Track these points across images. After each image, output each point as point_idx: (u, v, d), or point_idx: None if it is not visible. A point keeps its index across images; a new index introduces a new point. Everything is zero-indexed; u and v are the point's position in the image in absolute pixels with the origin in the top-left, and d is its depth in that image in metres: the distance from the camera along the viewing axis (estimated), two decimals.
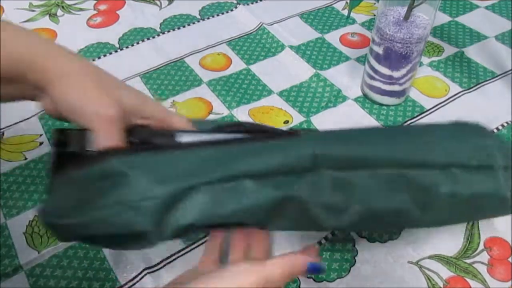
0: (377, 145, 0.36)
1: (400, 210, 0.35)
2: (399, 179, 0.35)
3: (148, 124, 0.36)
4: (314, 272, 0.33)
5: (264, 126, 0.39)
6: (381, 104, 0.63)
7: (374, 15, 0.79)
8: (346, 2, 0.82)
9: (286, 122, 0.61)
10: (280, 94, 0.65)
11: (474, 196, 0.36)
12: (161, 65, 0.70)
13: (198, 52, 0.72)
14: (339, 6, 0.82)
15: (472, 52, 0.71)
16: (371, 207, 0.34)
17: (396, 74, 0.58)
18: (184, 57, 0.71)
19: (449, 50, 0.72)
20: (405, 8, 0.54)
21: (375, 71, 0.59)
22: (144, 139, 0.36)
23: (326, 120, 0.61)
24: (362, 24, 0.77)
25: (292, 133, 0.36)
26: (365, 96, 0.64)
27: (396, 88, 0.60)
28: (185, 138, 0.36)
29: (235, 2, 0.82)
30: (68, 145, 0.35)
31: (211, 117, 0.62)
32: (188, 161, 0.33)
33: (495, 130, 0.59)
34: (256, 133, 0.37)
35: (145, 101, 0.36)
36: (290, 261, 0.32)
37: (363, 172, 0.34)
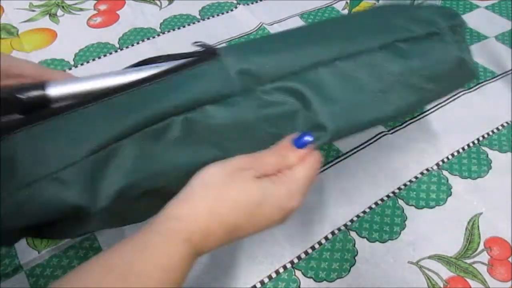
0: (307, 49, 0.35)
1: (361, 101, 0.35)
2: (346, 69, 0.34)
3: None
4: (301, 141, 0.34)
5: (177, 55, 0.37)
6: None
7: None
8: (346, 2, 0.82)
9: None
10: None
11: (429, 66, 0.35)
12: None
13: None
14: (339, 6, 0.81)
15: (472, 52, 0.71)
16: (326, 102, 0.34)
17: None
18: None
19: None
20: None
21: None
22: (12, 95, 0.33)
23: None
24: None
25: (210, 53, 0.35)
26: None
27: None
28: (59, 90, 0.35)
29: (235, 2, 0.82)
30: None
31: None
32: (101, 115, 0.32)
33: (495, 130, 0.59)
34: (169, 67, 0.35)
35: (12, 60, 0.36)
36: (278, 144, 0.34)
37: (308, 73, 0.34)
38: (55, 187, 0.30)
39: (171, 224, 0.30)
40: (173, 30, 0.77)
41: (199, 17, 0.80)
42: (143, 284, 0.28)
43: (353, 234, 0.49)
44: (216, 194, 0.31)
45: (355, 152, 0.57)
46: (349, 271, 0.46)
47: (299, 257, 0.47)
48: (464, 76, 0.40)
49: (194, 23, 0.78)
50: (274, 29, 0.76)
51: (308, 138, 0.34)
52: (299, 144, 0.34)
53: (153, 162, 0.33)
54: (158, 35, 0.76)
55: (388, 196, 0.52)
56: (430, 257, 0.47)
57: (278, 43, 0.37)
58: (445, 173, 0.55)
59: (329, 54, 0.35)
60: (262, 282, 0.45)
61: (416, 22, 0.36)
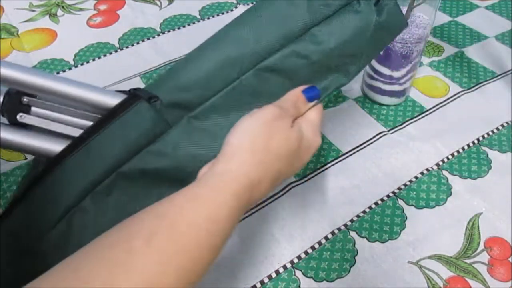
0: (223, 63, 0.37)
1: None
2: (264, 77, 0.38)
3: None
4: (312, 94, 0.38)
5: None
6: (381, 104, 0.63)
7: None
8: None
9: None
10: None
11: (345, 43, 0.38)
12: (161, 65, 0.70)
13: None
14: None
15: (472, 52, 0.71)
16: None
17: (396, 74, 0.58)
18: None
19: (449, 50, 0.72)
20: (405, 8, 0.54)
21: (375, 71, 0.59)
22: None
23: (326, 120, 0.61)
24: None
25: (135, 96, 0.37)
26: (365, 96, 0.64)
27: (396, 88, 0.60)
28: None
29: (235, 2, 0.82)
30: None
31: None
32: (57, 183, 0.35)
33: (495, 130, 0.59)
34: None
35: None
36: (291, 95, 0.38)
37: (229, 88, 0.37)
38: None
39: (221, 178, 0.31)
40: (173, 30, 0.77)
41: (199, 17, 0.80)
42: (192, 233, 0.28)
43: (353, 234, 0.49)
44: (261, 147, 0.33)
45: (355, 152, 0.57)
46: (349, 271, 0.46)
47: (299, 257, 0.47)
48: (390, 33, 0.41)
49: (194, 23, 0.78)
50: None
51: (317, 92, 0.38)
52: (310, 97, 0.38)
53: (108, 218, 0.35)
54: (158, 35, 0.76)
55: (388, 196, 0.52)
56: (430, 257, 0.47)
57: (194, 62, 0.39)
58: (445, 173, 0.55)
59: (245, 64, 0.38)
60: (262, 282, 0.45)
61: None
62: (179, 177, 0.36)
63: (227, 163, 0.32)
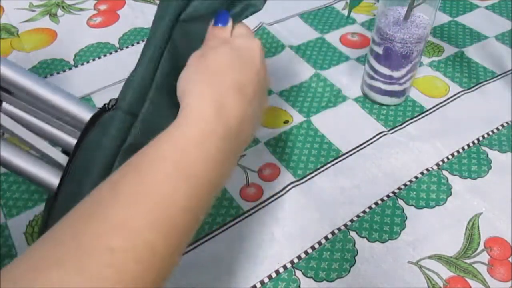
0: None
1: None
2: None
3: None
4: (219, 18, 0.38)
5: None
6: (381, 104, 0.63)
7: (374, 15, 0.79)
8: (346, 2, 0.82)
9: (286, 122, 0.61)
10: (280, 94, 0.65)
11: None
12: None
13: None
14: (339, 6, 0.81)
15: (472, 52, 0.71)
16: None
17: (396, 74, 0.58)
18: None
19: (449, 50, 0.72)
20: (405, 8, 0.54)
21: (375, 71, 0.59)
22: None
23: (326, 120, 0.61)
24: (362, 24, 0.77)
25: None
26: (365, 96, 0.64)
27: (396, 88, 0.60)
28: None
29: None
30: None
31: None
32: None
33: (495, 130, 0.59)
34: None
35: None
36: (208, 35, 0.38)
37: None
38: None
39: (179, 118, 0.30)
40: None
41: None
42: (156, 169, 0.26)
43: (353, 234, 0.49)
44: (201, 73, 0.33)
45: (355, 152, 0.57)
46: (349, 271, 0.46)
47: (299, 257, 0.47)
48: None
49: None
50: (274, 29, 0.76)
51: (225, 14, 0.38)
52: (220, 20, 0.38)
53: None
54: None
55: (388, 196, 0.52)
56: (430, 257, 0.47)
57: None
58: (445, 173, 0.55)
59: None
60: (262, 282, 0.45)
61: None
62: None
63: (183, 103, 0.31)
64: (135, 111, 0.35)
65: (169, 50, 0.37)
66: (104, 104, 0.36)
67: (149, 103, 0.36)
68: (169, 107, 0.36)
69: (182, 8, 0.37)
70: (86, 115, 0.37)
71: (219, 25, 0.37)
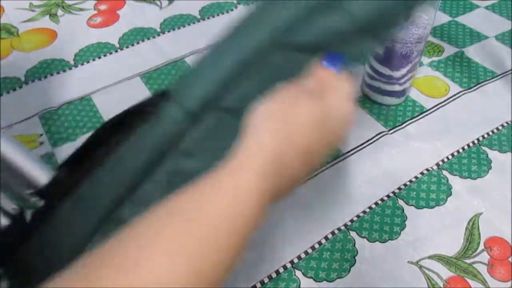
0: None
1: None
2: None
3: None
4: (331, 60, 0.34)
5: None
6: (381, 104, 0.63)
7: None
8: None
9: None
10: None
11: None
12: (161, 65, 0.70)
13: (198, 52, 0.72)
14: None
15: (472, 52, 0.71)
16: None
17: (396, 74, 0.58)
18: (184, 57, 0.71)
19: (449, 50, 0.72)
20: None
21: (375, 71, 0.59)
22: None
23: None
24: None
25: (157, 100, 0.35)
26: (365, 96, 0.64)
27: (396, 88, 0.60)
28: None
29: (235, 2, 0.82)
30: None
31: None
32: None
33: (495, 130, 0.59)
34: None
35: None
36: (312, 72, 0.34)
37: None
38: None
39: (236, 159, 0.28)
40: (173, 30, 0.77)
41: (199, 17, 0.80)
42: (209, 224, 0.25)
43: (353, 234, 0.49)
44: (280, 120, 0.30)
45: (355, 152, 0.57)
46: (349, 271, 0.46)
47: (299, 257, 0.47)
48: None
49: (194, 23, 0.78)
50: None
51: (339, 57, 0.34)
52: (331, 63, 0.34)
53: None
54: (158, 35, 0.76)
55: (388, 196, 0.52)
56: (430, 257, 0.47)
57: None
58: (445, 173, 0.55)
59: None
60: (262, 282, 0.45)
61: None
62: None
63: (245, 143, 0.29)
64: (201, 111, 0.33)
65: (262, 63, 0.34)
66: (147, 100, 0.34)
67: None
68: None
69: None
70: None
71: (331, 68, 0.34)
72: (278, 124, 0.30)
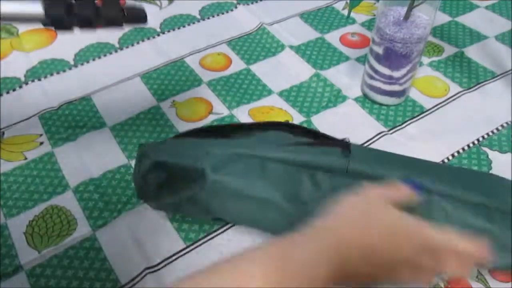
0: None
1: None
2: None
3: None
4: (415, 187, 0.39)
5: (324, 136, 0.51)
6: (381, 104, 0.63)
7: (374, 15, 0.79)
8: (346, 2, 0.82)
9: (287, 122, 0.61)
10: (280, 94, 0.65)
11: None
12: (161, 65, 0.70)
13: (198, 52, 0.72)
14: (339, 6, 0.82)
15: (472, 52, 0.71)
16: None
17: (396, 74, 0.58)
18: (184, 57, 0.71)
19: (449, 50, 0.72)
20: (405, 8, 0.54)
21: (375, 71, 0.59)
22: None
23: (326, 120, 0.61)
24: (362, 24, 0.78)
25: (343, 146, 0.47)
26: (365, 96, 0.64)
27: (396, 88, 0.60)
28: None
29: (235, 2, 0.82)
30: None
31: (211, 117, 0.62)
32: None
33: (495, 130, 0.59)
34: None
35: None
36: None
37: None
38: None
39: (315, 231, 0.33)
40: (173, 30, 0.77)
41: (199, 17, 0.80)
42: None
43: None
44: (357, 220, 0.34)
45: None
46: None
47: None
48: None
49: (194, 23, 0.78)
50: (274, 29, 0.76)
51: (417, 184, 0.40)
52: (418, 187, 0.40)
53: None
54: (158, 35, 0.76)
55: None
56: None
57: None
58: None
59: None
60: None
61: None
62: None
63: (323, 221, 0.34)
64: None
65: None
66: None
67: None
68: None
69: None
70: None
71: (413, 188, 0.39)
72: (333, 238, 0.33)
